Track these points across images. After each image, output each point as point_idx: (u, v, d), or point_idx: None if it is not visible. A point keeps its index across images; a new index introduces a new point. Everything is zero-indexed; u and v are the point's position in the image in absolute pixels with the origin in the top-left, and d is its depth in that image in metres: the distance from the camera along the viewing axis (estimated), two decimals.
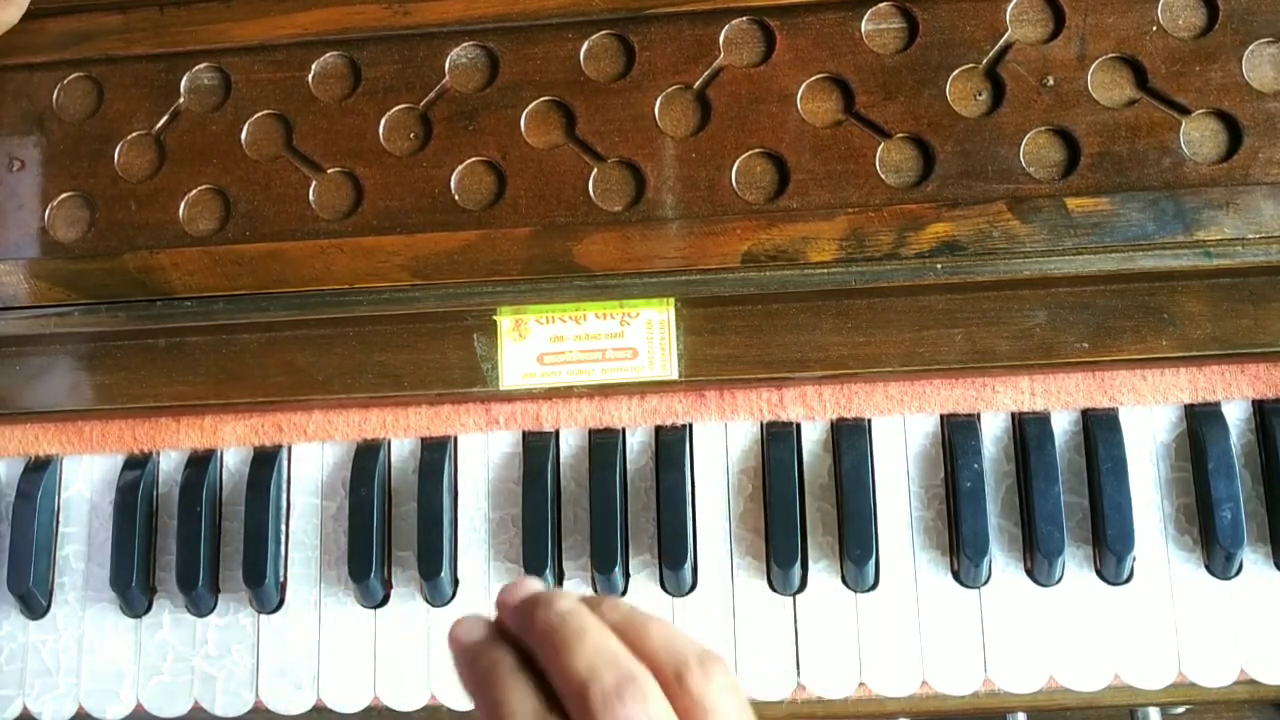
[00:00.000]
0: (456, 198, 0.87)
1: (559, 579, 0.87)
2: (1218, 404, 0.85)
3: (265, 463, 0.90)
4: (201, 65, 0.92)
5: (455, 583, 0.88)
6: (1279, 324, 0.82)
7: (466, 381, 0.87)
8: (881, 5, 0.86)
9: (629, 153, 0.86)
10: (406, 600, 0.88)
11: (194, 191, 0.89)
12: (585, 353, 0.88)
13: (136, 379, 0.90)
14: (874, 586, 0.85)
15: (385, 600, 0.89)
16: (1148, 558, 0.83)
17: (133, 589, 0.89)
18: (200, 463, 0.91)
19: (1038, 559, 0.82)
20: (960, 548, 0.83)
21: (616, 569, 0.85)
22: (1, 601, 0.91)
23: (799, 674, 0.84)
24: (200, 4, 0.91)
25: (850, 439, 0.86)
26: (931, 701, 0.85)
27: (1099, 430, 0.84)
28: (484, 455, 0.90)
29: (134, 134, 0.91)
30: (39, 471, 0.92)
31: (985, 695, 0.84)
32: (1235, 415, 0.85)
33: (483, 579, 0.88)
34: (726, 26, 0.87)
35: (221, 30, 0.91)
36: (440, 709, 0.87)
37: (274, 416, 0.91)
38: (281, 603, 0.90)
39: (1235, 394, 0.85)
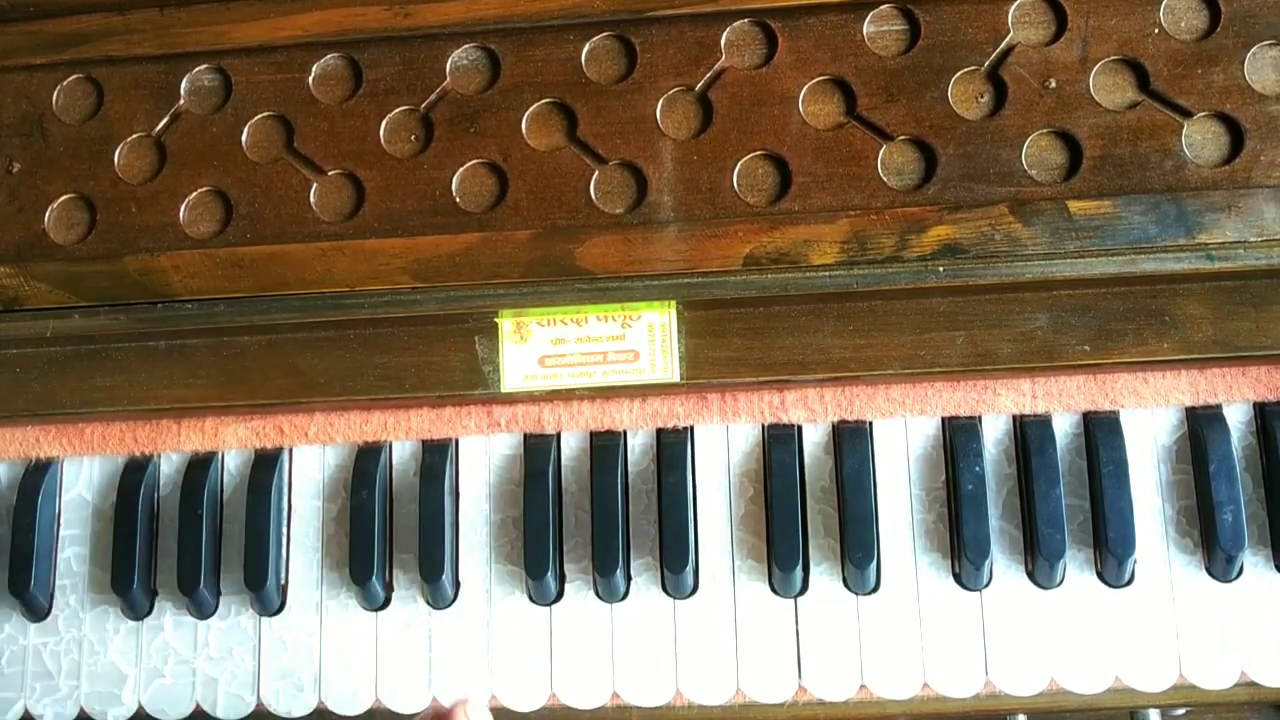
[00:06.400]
0: (458, 200, 0.87)
1: (560, 582, 0.88)
2: (1219, 406, 0.85)
3: (266, 465, 0.90)
4: (202, 67, 0.91)
5: (456, 585, 0.88)
6: None
7: (468, 384, 0.87)
8: (883, 7, 0.86)
9: (630, 155, 0.86)
10: (408, 603, 0.89)
11: (194, 194, 0.89)
12: (586, 355, 0.87)
13: (137, 381, 0.90)
14: (875, 589, 0.85)
15: (387, 603, 0.89)
16: (1149, 560, 0.83)
17: (134, 591, 0.89)
18: (201, 465, 0.91)
19: (1039, 562, 0.83)
20: (961, 550, 0.83)
21: (618, 571, 0.85)
22: (2, 604, 0.91)
23: (800, 676, 0.85)
24: (200, 5, 0.91)
25: (852, 442, 0.86)
26: (932, 704, 0.85)
27: (1100, 433, 0.84)
28: (485, 457, 0.90)
29: (134, 136, 0.91)
30: (40, 474, 0.92)
31: (986, 698, 0.84)
32: (1236, 418, 0.85)
33: (484, 581, 0.88)
34: (728, 28, 0.87)
35: (222, 32, 0.91)
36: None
37: (275, 419, 0.91)
38: (283, 605, 0.90)
39: (1236, 396, 0.85)
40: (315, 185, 0.89)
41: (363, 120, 0.89)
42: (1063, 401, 0.86)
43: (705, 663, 0.85)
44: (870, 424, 0.87)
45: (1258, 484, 0.84)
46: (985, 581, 0.84)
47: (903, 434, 0.87)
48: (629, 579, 0.87)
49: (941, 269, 0.82)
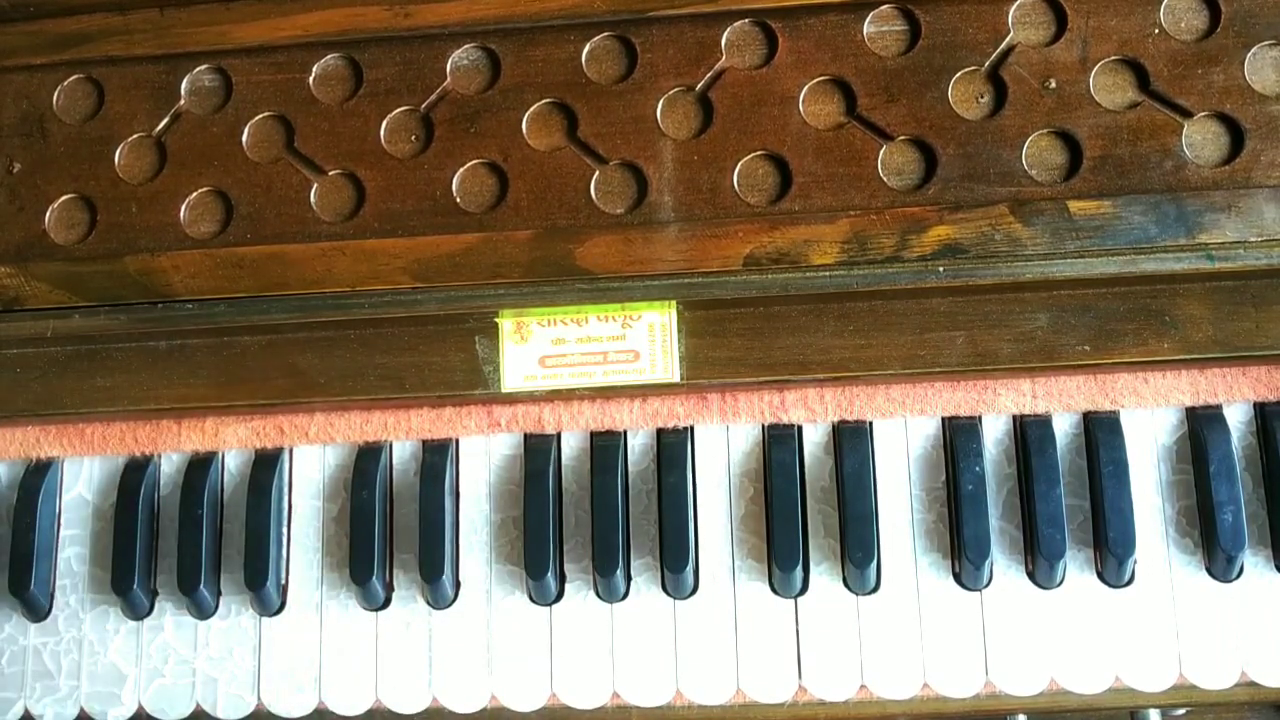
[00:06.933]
0: (458, 200, 0.87)
1: (560, 582, 0.88)
2: (1219, 406, 0.85)
3: (267, 465, 0.90)
4: (202, 67, 0.91)
5: (457, 585, 0.88)
6: None
7: (468, 384, 0.87)
8: (884, 7, 0.86)
9: (631, 155, 0.86)
10: (408, 603, 0.89)
11: (195, 194, 0.89)
12: (587, 355, 0.87)
13: (137, 381, 0.90)
14: (875, 589, 0.85)
15: (387, 603, 0.89)
16: (1149, 560, 0.83)
17: (134, 591, 0.89)
18: (202, 465, 0.91)
19: (1039, 562, 0.83)
20: (961, 550, 0.83)
21: (618, 571, 0.85)
22: (2, 604, 0.91)
23: (800, 676, 0.85)
24: (201, 5, 0.91)
25: (852, 441, 0.86)
26: (932, 704, 0.85)
27: (1100, 433, 0.84)
28: (485, 458, 0.90)
29: (134, 136, 0.91)
30: (40, 474, 0.92)
31: (986, 698, 0.84)
32: (1236, 418, 0.85)
33: (484, 581, 0.88)
34: (728, 28, 0.87)
35: (222, 32, 0.91)
36: (442, 711, 0.88)
37: (275, 419, 0.91)
38: (283, 605, 0.90)
39: (1236, 396, 0.85)
40: (315, 185, 0.89)
41: (363, 120, 0.89)
42: (1063, 401, 0.86)
43: (705, 663, 0.85)
44: (870, 424, 0.87)
45: (1258, 484, 0.84)
46: (985, 581, 0.84)
47: (903, 434, 0.87)
48: (629, 579, 0.87)
49: (941, 269, 0.82)
